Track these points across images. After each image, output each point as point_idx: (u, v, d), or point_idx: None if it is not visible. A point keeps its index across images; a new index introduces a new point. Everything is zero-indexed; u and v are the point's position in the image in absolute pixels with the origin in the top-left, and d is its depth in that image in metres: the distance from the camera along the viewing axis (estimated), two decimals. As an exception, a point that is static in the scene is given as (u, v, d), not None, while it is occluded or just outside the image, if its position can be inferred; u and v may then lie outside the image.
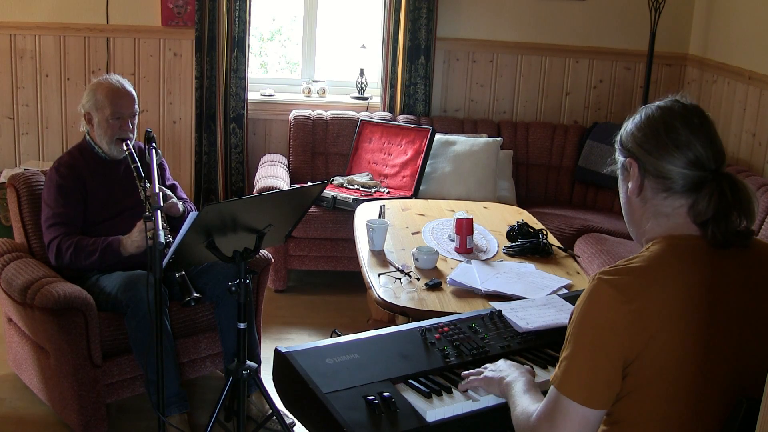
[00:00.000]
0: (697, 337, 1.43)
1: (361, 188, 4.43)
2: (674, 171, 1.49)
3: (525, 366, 1.82)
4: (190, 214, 2.26)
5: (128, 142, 2.98)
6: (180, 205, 3.10)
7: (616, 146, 1.61)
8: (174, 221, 2.99)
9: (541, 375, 1.90)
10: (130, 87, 3.08)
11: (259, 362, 3.08)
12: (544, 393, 1.56)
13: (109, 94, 3.01)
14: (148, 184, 2.70)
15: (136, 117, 3.08)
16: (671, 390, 1.43)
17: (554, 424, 1.46)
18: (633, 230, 1.62)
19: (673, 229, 1.51)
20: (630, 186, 1.56)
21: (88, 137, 3.10)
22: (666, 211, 1.52)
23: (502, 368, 1.78)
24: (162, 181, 3.23)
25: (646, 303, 1.40)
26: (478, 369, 1.85)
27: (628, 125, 1.58)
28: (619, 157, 1.60)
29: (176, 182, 3.35)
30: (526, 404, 1.59)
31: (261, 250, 2.92)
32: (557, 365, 1.48)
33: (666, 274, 1.43)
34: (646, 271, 1.44)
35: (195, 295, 2.79)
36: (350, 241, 3.91)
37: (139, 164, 2.86)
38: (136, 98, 3.08)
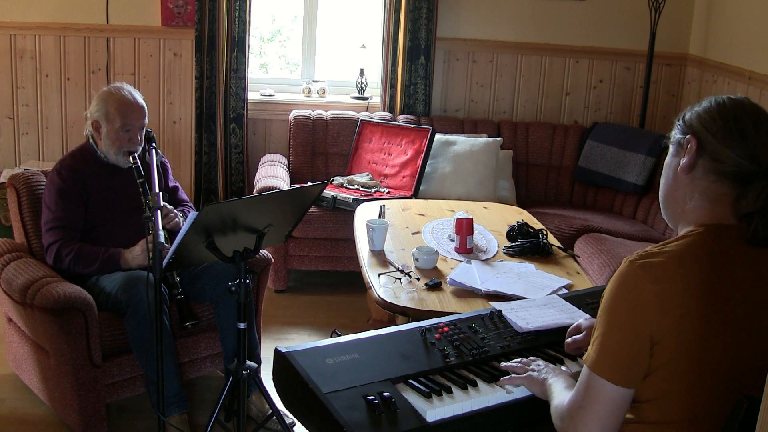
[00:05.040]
0: (717, 329, 1.47)
1: (361, 188, 4.43)
2: (731, 157, 1.52)
3: (564, 369, 1.86)
4: (190, 213, 2.26)
5: (135, 154, 2.94)
6: (182, 222, 3.07)
7: (676, 124, 1.64)
8: (174, 234, 2.98)
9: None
10: (140, 99, 3.05)
11: (259, 362, 3.08)
12: None
13: (120, 107, 2.98)
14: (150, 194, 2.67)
15: (144, 129, 3.05)
16: (694, 371, 1.47)
17: (584, 404, 1.52)
18: (670, 209, 1.64)
19: (713, 217, 1.54)
20: (682, 162, 1.59)
21: (91, 140, 3.09)
22: (711, 195, 1.55)
23: (546, 370, 1.82)
24: (165, 182, 3.23)
25: (672, 286, 1.46)
26: (519, 361, 1.89)
27: (695, 108, 1.61)
28: (677, 135, 1.63)
29: (177, 183, 3.35)
30: (563, 396, 1.64)
31: (261, 250, 2.92)
32: (590, 346, 1.53)
33: (694, 263, 1.49)
34: (675, 256, 1.49)
35: (194, 321, 2.93)
36: (350, 241, 3.91)
37: (145, 180, 2.81)
38: (146, 110, 3.05)
